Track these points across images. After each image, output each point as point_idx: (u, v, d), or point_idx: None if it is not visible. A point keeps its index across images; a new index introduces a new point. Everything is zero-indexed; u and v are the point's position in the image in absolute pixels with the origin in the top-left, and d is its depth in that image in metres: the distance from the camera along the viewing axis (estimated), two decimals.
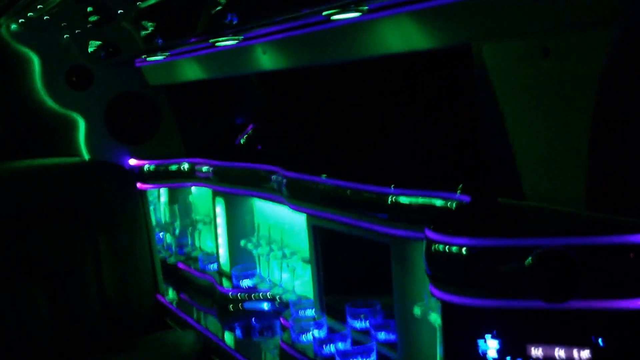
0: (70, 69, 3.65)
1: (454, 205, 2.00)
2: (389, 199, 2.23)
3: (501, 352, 1.53)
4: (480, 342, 1.55)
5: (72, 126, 3.71)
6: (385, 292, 2.56)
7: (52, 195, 3.42)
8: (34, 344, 3.29)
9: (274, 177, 2.99)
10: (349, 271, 2.83)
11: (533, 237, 1.47)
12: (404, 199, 2.19)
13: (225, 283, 3.50)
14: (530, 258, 1.43)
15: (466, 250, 1.51)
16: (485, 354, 1.54)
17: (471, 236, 1.52)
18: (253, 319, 3.21)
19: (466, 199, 1.95)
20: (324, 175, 2.59)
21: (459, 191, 1.98)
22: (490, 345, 1.54)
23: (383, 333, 2.50)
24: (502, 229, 1.59)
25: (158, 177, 3.77)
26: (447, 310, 1.59)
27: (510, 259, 1.48)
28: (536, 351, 1.50)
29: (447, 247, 1.55)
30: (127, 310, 3.43)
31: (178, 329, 3.42)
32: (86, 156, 3.72)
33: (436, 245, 1.59)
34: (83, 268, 3.39)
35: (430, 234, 1.61)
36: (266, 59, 2.74)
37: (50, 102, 3.65)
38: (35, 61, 3.63)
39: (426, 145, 2.31)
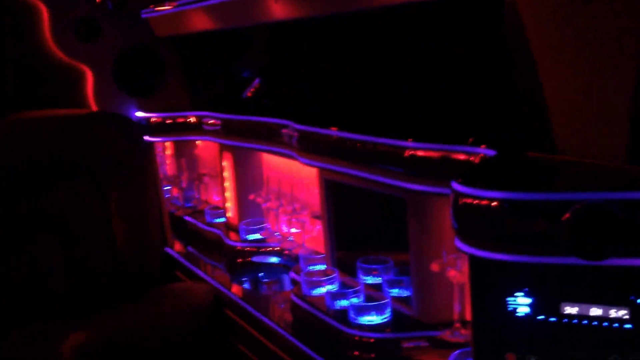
0: (78, 20, 3.52)
1: (476, 159, 1.89)
2: (406, 153, 2.11)
3: (533, 310, 1.43)
4: (511, 299, 1.45)
5: (80, 78, 3.61)
6: (397, 248, 2.46)
7: (61, 146, 3.33)
8: (49, 295, 3.22)
9: (284, 130, 2.87)
10: (361, 226, 2.73)
11: (572, 191, 1.36)
12: (422, 153, 2.08)
13: (233, 236, 3.40)
14: (569, 213, 1.32)
15: (499, 205, 1.40)
16: (515, 312, 1.45)
17: (505, 190, 1.41)
18: (261, 273, 3.13)
19: (491, 152, 1.84)
20: (337, 128, 2.47)
21: (470, 143, 1.87)
22: (522, 303, 1.44)
23: (397, 289, 2.41)
24: (536, 183, 1.48)
25: (165, 129, 3.65)
26: (476, 266, 1.49)
27: (546, 214, 1.37)
28: (571, 310, 1.41)
29: (477, 201, 1.44)
30: (137, 262, 3.35)
31: (188, 281, 3.34)
32: (94, 108, 3.61)
33: (465, 199, 1.47)
34: (93, 221, 3.30)
35: (458, 187, 1.50)
36: (278, 8, 2.61)
37: (58, 54, 3.55)
38: (44, 12, 3.50)
39: (447, 96, 2.18)
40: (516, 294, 1.44)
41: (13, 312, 3.14)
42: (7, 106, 3.51)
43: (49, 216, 3.28)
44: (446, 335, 2.14)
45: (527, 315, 1.44)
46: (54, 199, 3.28)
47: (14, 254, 3.21)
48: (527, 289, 1.44)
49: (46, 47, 3.52)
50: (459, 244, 1.50)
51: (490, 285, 1.48)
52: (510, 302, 1.45)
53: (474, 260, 1.49)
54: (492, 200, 1.42)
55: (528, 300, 1.44)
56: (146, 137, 3.62)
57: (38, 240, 3.25)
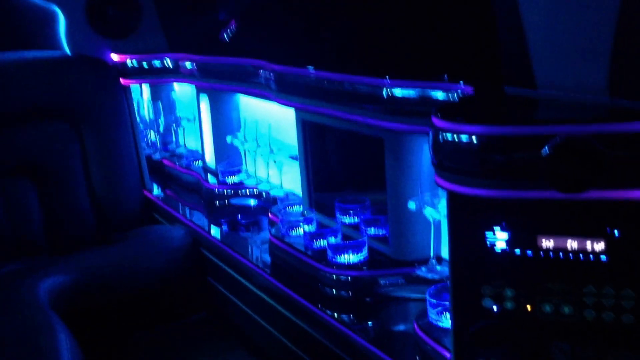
0: None
1: (455, 97, 1.86)
2: (384, 91, 2.07)
3: (510, 244, 1.42)
4: (489, 234, 1.43)
5: (51, 19, 3.47)
6: (374, 188, 2.44)
7: (35, 89, 3.22)
8: (27, 239, 3.17)
9: (261, 71, 2.81)
10: (338, 167, 2.70)
11: (550, 124, 1.33)
12: (400, 91, 2.04)
13: (211, 179, 3.36)
14: (548, 146, 1.30)
15: (478, 139, 1.37)
16: (493, 245, 1.43)
17: (484, 124, 1.37)
18: (239, 215, 3.10)
19: (469, 89, 1.81)
20: (314, 68, 2.42)
21: (448, 80, 1.84)
22: (500, 237, 1.43)
23: (373, 228, 2.40)
24: (516, 117, 1.45)
25: (141, 72, 3.56)
26: (454, 202, 1.47)
27: (525, 148, 1.34)
28: (547, 242, 1.39)
29: (456, 135, 1.41)
30: (115, 205, 3.30)
31: (166, 224, 3.30)
32: (67, 50, 3.50)
33: (444, 133, 1.44)
34: (70, 164, 3.23)
35: (437, 122, 1.46)
36: None
37: None
38: None
39: (425, 33, 2.13)
40: (494, 229, 1.43)
41: None
42: None
43: (24, 159, 3.20)
44: (422, 271, 2.14)
45: (504, 249, 1.43)
46: (28, 142, 3.20)
47: None
48: (504, 223, 1.42)
49: None
50: (438, 180, 1.48)
51: (468, 221, 1.46)
52: (487, 237, 1.43)
53: (452, 196, 1.46)
54: (472, 134, 1.38)
55: (505, 235, 1.42)
56: (122, 80, 3.53)
57: (13, 183, 3.17)
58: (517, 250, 1.42)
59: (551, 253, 1.39)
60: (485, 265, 1.45)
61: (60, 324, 2.27)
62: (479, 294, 1.45)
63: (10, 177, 3.18)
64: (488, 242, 1.43)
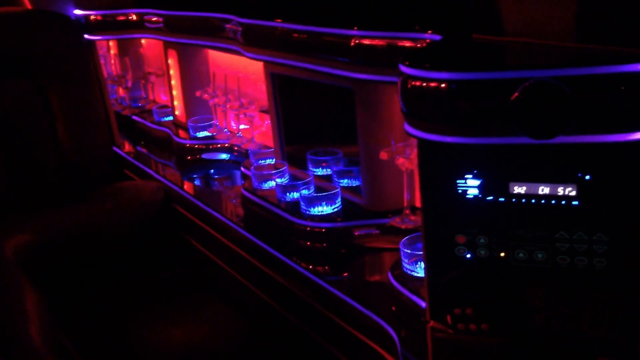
0: None
1: (423, 45, 1.81)
2: (352, 41, 2.02)
3: (482, 191, 1.40)
4: (460, 181, 1.41)
5: None
6: (346, 140, 2.41)
7: None
8: None
9: (228, 25, 2.73)
10: (309, 119, 2.65)
11: (520, 69, 1.29)
12: (368, 41, 1.99)
13: (182, 134, 3.30)
14: (518, 91, 1.26)
15: (447, 85, 1.33)
16: (465, 193, 1.41)
17: (453, 70, 1.33)
18: (212, 170, 3.05)
19: (437, 38, 1.76)
20: (282, 20, 2.35)
21: (416, 30, 1.79)
22: (471, 184, 1.40)
23: (346, 180, 2.37)
24: (485, 63, 1.41)
25: (105, 27, 3.45)
26: (425, 150, 1.43)
27: (495, 94, 1.31)
28: (519, 189, 1.37)
29: (425, 82, 1.37)
30: (85, 163, 3.22)
31: (137, 179, 3.25)
32: (28, 6, 3.37)
33: (414, 81, 1.40)
34: (36, 122, 3.13)
35: (406, 69, 1.42)
36: None
37: None
38: None
39: None
40: (465, 176, 1.40)
41: None
42: None
43: None
44: (396, 222, 2.12)
45: (476, 196, 1.40)
46: None
47: None
48: (476, 170, 1.39)
49: None
50: (408, 128, 1.44)
51: (439, 169, 1.43)
52: (459, 185, 1.41)
53: (423, 144, 1.43)
54: (441, 81, 1.34)
55: (477, 182, 1.40)
56: (86, 36, 3.42)
57: None
58: (489, 198, 1.39)
59: (523, 199, 1.37)
60: (457, 214, 1.42)
61: (28, 283, 2.22)
62: (452, 242, 1.43)
63: None
64: (460, 190, 1.41)
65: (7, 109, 3.06)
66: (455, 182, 1.41)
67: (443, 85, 1.34)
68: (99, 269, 2.83)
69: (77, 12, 3.45)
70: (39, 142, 3.10)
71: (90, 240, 2.81)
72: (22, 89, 3.11)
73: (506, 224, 1.40)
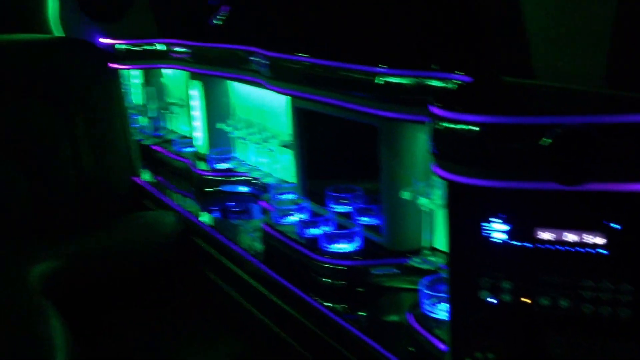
0: None
1: (451, 85, 1.82)
2: (378, 79, 2.04)
3: (509, 235, 1.40)
4: (487, 224, 1.41)
5: (41, 2, 3.42)
6: (367, 177, 2.42)
7: (24, 71, 3.17)
8: (15, 220, 3.12)
9: (254, 57, 2.76)
10: (331, 155, 2.67)
11: (551, 115, 1.30)
12: (395, 79, 2.01)
13: (202, 166, 3.32)
14: (547, 137, 1.27)
15: (477, 128, 1.34)
16: (492, 237, 1.41)
17: (484, 113, 1.35)
18: (230, 202, 3.07)
19: (466, 79, 1.77)
20: (308, 55, 2.38)
21: (444, 69, 1.80)
22: (498, 228, 1.40)
23: (366, 217, 2.37)
24: (515, 107, 1.42)
25: (131, 57, 3.51)
26: (453, 192, 1.44)
27: (525, 138, 1.31)
28: (546, 235, 1.37)
29: (455, 124, 1.38)
30: (105, 191, 3.25)
31: (156, 210, 3.26)
32: (57, 33, 3.44)
33: (443, 122, 1.41)
34: (59, 147, 3.18)
35: (436, 110, 1.44)
36: None
37: None
38: None
39: (420, 19, 2.09)
40: (492, 220, 1.40)
41: None
42: None
43: (12, 140, 3.15)
44: (415, 262, 2.11)
45: (502, 240, 1.40)
46: (17, 123, 3.14)
47: None
48: (502, 214, 1.40)
49: None
50: (436, 169, 1.45)
51: (466, 211, 1.43)
52: (485, 228, 1.41)
53: (451, 186, 1.44)
54: (472, 124, 1.36)
55: (503, 226, 1.40)
56: (112, 65, 3.48)
57: (1, 165, 3.12)
58: (516, 242, 1.39)
59: (550, 245, 1.37)
60: (483, 257, 1.42)
61: (52, 309, 2.24)
62: (476, 285, 1.43)
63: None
64: (486, 233, 1.41)
65: (33, 134, 3.12)
66: (482, 225, 1.41)
67: (473, 127, 1.35)
68: (118, 297, 2.84)
69: (104, 40, 3.51)
70: (63, 168, 3.14)
71: (109, 269, 2.82)
72: (48, 114, 3.17)
73: (531, 270, 1.40)
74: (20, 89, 3.16)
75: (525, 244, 1.39)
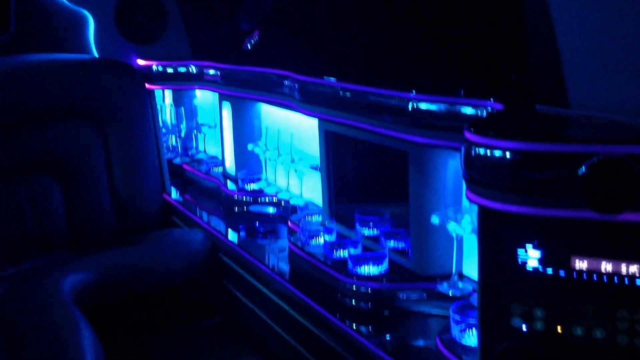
0: None
1: (484, 112, 1.80)
2: (410, 104, 2.02)
3: (543, 263, 1.36)
4: (521, 251, 1.37)
5: (82, 23, 3.47)
6: (395, 201, 2.39)
7: (63, 90, 3.22)
8: (50, 235, 3.15)
9: (285, 81, 2.76)
10: (359, 178, 2.65)
11: (588, 143, 1.27)
12: (426, 105, 1.99)
13: (231, 186, 3.32)
14: (585, 165, 1.24)
15: (513, 154, 1.32)
16: (525, 263, 1.37)
17: (519, 140, 1.32)
18: (257, 222, 3.05)
19: (499, 106, 1.75)
20: (339, 79, 2.37)
21: (477, 96, 1.78)
22: (532, 255, 1.37)
23: (393, 241, 2.34)
24: (550, 134, 1.39)
25: (166, 78, 3.54)
26: (486, 217, 1.41)
27: (561, 166, 1.29)
28: (581, 264, 1.33)
29: (490, 150, 1.36)
30: (136, 206, 3.27)
31: (185, 227, 3.26)
32: (96, 54, 3.49)
33: (478, 148, 1.39)
34: (94, 163, 3.22)
35: (470, 136, 1.41)
36: None
37: None
38: None
39: (453, 45, 2.08)
40: (526, 246, 1.37)
41: (12, 247, 3.06)
42: (9, 48, 3.38)
43: (49, 157, 3.19)
44: (443, 287, 2.08)
45: (535, 267, 1.37)
46: (54, 140, 3.19)
47: (13, 191, 3.11)
48: (537, 241, 1.36)
49: None
50: (469, 194, 1.42)
51: (499, 237, 1.40)
52: (519, 254, 1.38)
53: (484, 212, 1.41)
54: (506, 150, 1.33)
55: (537, 253, 1.36)
56: (147, 85, 3.50)
57: (38, 180, 3.16)
58: (549, 270, 1.36)
59: (584, 274, 1.33)
60: (515, 283, 1.39)
61: (83, 320, 2.23)
62: (508, 313, 1.40)
63: (36, 174, 3.17)
64: (519, 260, 1.38)
65: (69, 150, 3.16)
66: (515, 251, 1.38)
67: (508, 154, 1.33)
68: (146, 311, 2.83)
69: (140, 61, 3.54)
70: (96, 184, 3.17)
71: (139, 283, 2.82)
72: (83, 131, 3.21)
73: (565, 298, 1.36)
74: (59, 107, 3.21)
75: (559, 272, 1.35)
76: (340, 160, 2.61)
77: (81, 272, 2.63)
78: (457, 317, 1.76)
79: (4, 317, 2.30)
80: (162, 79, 3.52)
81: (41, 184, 3.15)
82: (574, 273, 1.34)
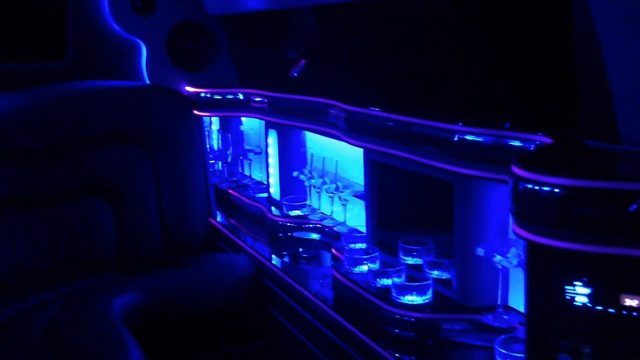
0: None
1: (532, 145, 1.79)
2: (456, 136, 2.02)
3: (592, 300, 1.34)
4: (569, 287, 1.36)
5: (134, 51, 3.57)
6: (438, 231, 2.38)
7: (115, 115, 3.32)
8: (100, 255, 3.21)
9: (332, 110, 2.79)
10: (402, 207, 2.64)
11: (638, 180, 1.26)
12: (472, 137, 1.98)
13: (275, 212, 3.34)
14: (637, 203, 1.23)
15: (562, 191, 1.31)
16: (573, 300, 1.36)
17: (569, 176, 1.31)
18: (301, 248, 3.06)
19: (547, 140, 1.74)
20: (385, 109, 2.38)
21: (525, 130, 1.77)
22: (580, 292, 1.35)
23: (437, 271, 2.33)
24: (600, 171, 1.38)
25: (214, 105, 3.59)
26: (534, 253, 1.40)
27: (610, 203, 1.27)
28: (631, 302, 1.31)
29: (538, 186, 1.35)
30: (183, 230, 3.33)
31: (230, 251, 3.29)
32: (147, 81, 3.58)
33: (526, 183, 1.38)
34: (143, 187, 3.29)
35: (519, 171, 1.41)
36: None
37: (115, 27, 3.54)
38: None
39: (501, 78, 2.07)
40: (575, 283, 1.35)
41: (64, 267, 3.12)
42: (65, 75, 3.48)
43: (100, 180, 3.27)
44: (488, 319, 2.05)
45: (584, 304, 1.35)
46: (106, 164, 3.27)
47: (65, 213, 3.19)
48: (586, 278, 1.35)
49: (105, 20, 3.49)
50: (516, 229, 1.42)
51: (547, 272, 1.39)
52: (567, 290, 1.36)
53: (532, 247, 1.40)
54: (555, 186, 1.32)
55: (586, 290, 1.35)
56: (195, 111, 3.57)
57: (89, 202, 3.24)
58: (599, 307, 1.34)
59: (634, 312, 1.31)
60: (563, 319, 1.37)
61: (132, 340, 2.27)
62: (555, 349, 1.38)
63: (87, 197, 3.25)
64: (568, 296, 1.36)
65: (120, 174, 3.23)
66: (564, 287, 1.36)
67: (557, 190, 1.32)
68: (192, 333, 2.86)
69: (189, 88, 3.61)
70: (145, 207, 3.24)
71: (186, 306, 2.85)
72: (133, 156, 3.28)
73: (614, 336, 1.34)
74: (112, 131, 3.29)
75: (608, 309, 1.33)
76: (384, 188, 2.61)
77: (131, 293, 2.67)
78: (503, 351, 1.74)
79: (57, 335, 2.35)
80: (210, 105, 3.58)
81: (92, 206, 3.23)
82: (624, 311, 1.32)
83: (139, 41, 3.57)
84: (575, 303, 1.36)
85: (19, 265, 3.04)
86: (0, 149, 3.09)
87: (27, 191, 3.11)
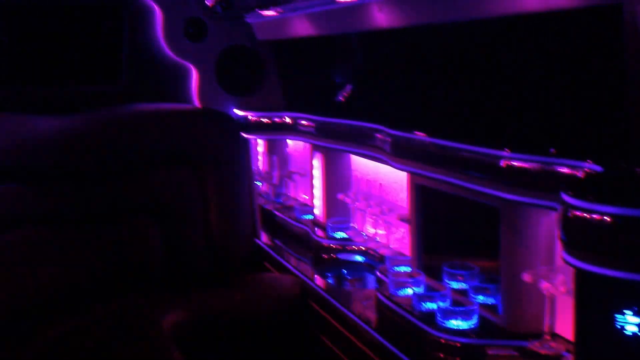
0: (188, 20, 3.57)
1: (580, 172, 1.77)
2: (503, 162, 2.01)
3: None
4: (620, 317, 1.34)
5: (185, 75, 3.66)
6: (483, 256, 2.36)
7: (167, 137, 3.41)
8: (149, 272, 3.27)
9: (377, 134, 2.80)
10: (447, 231, 2.63)
11: None
12: (519, 163, 1.97)
13: (320, 233, 3.36)
14: None
15: (613, 219, 1.30)
16: (623, 330, 1.34)
17: (620, 205, 1.30)
18: (345, 270, 3.07)
19: (596, 167, 1.72)
20: (431, 134, 2.39)
21: (574, 157, 1.76)
22: (631, 321, 1.33)
23: (482, 296, 2.31)
24: None
25: (261, 127, 3.65)
26: (584, 281, 1.39)
27: None
28: None
29: (589, 214, 1.34)
30: (230, 249, 3.38)
31: (275, 271, 3.32)
32: (197, 104, 3.65)
33: (576, 211, 1.37)
34: (191, 206, 3.36)
35: (568, 199, 1.40)
36: (381, 17, 2.54)
37: (167, 52, 3.63)
38: (157, 12, 3.59)
39: (549, 106, 2.06)
40: (625, 312, 1.34)
41: (114, 283, 3.19)
42: (118, 98, 3.57)
43: (151, 199, 3.34)
44: (535, 346, 2.03)
45: (635, 334, 1.33)
46: (157, 184, 3.34)
47: (116, 231, 3.26)
48: (637, 307, 1.33)
49: (157, 45, 3.58)
50: (566, 256, 1.41)
51: (597, 301, 1.37)
52: (618, 319, 1.34)
53: (581, 274, 1.39)
54: (606, 214, 1.31)
55: (637, 319, 1.33)
56: (243, 134, 3.62)
57: (141, 221, 3.30)
58: None
59: None
60: (613, 348, 1.35)
61: (180, 355, 2.30)
62: None
63: (138, 216, 3.31)
64: (618, 325, 1.34)
65: (170, 194, 3.29)
66: (614, 316, 1.35)
67: (607, 218, 1.31)
68: (237, 352, 2.88)
69: (237, 112, 3.67)
70: (192, 226, 3.29)
71: (233, 325, 2.88)
72: (182, 176, 3.35)
73: None
74: (163, 153, 3.36)
75: None
76: (429, 212, 2.61)
77: (180, 311, 2.71)
78: None
79: (109, 350, 2.39)
80: (258, 128, 3.63)
81: (142, 225, 3.29)
82: None
83: (190, 65, 3.65)
84: (625, 332, 1.34)
85: (72, 282, 3.11)
86: (57, 171, 3.17)
87: (81, 211, 3.19)
